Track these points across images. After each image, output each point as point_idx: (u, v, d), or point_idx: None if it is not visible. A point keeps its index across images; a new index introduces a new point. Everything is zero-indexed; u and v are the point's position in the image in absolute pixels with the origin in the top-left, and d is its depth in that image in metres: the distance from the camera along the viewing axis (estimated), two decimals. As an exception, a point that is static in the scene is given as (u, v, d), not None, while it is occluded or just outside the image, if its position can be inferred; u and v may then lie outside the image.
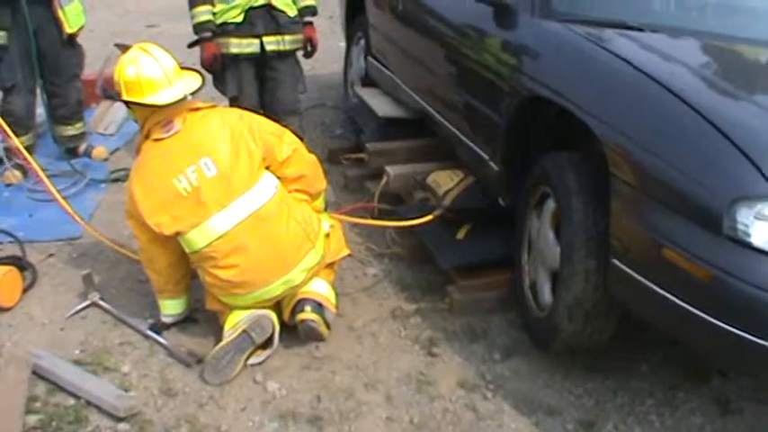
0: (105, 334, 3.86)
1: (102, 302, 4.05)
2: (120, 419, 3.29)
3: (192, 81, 3.80)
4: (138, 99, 3.68)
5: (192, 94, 3.75)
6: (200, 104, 3.83)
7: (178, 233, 3.63)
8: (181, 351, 3.70)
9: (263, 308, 3.75)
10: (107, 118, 6.60)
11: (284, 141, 3.84)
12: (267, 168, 3.76)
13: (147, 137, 3.77)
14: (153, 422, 3.30)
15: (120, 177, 5.54)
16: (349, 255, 4.22)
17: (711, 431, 3.38)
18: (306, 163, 3.95)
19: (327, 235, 3.91)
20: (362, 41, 6.70)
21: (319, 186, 4.09)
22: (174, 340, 3.81)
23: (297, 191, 3.90)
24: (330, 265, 4.00)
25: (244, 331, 3.61)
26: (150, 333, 3.83)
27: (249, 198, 3.63)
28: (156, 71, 3.69)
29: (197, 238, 3.61)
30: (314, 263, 3.78)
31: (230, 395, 3.48)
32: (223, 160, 3.62)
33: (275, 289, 3.70)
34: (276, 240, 3.65)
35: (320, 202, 4.14)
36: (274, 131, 3.86)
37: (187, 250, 3.69)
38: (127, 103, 3.76)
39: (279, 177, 3.80)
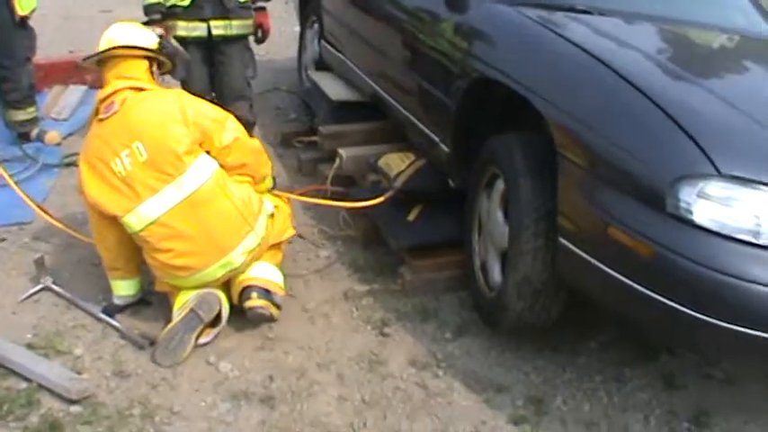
0: (58, 317, 3.85)
1: (54, 286, 4.03)
2: (72, 402, 3.28)
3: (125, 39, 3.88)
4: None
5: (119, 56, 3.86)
6: (145, 85, 3.84)
7: (115, 216, 3.65)
8: (134, 333, 3.71)
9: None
10: (60, 102, 6.55)
11: (225, 128, 3.81)
12: (208, 153, 3.75)
13: (95, 114, 3.80)
14: (105, 404, 3.30)
15: (73, 162, 5.47)
16: (299, 236, 4.26)
17: (658, 405, 3.44)
18: (247, 151, 3.92)
19: (272, 215, 3.92)
20: (316, 25, 6.71)
21: (263, 172, 4.07)
22: (127, 323, 3.81)
23: (239, 174, 3.89)
24: (276, 246, 4.00)
25: (191, 310, 3.62)
26: (103, 316, 3.82)
27: (181, 183, 3.61)
28: (110, 33, 3.86)
29: (132, 222, 3.62)
30: (254, 245, 3.78)
31: (183, 376, 3.49)
32: (154, 145, 3.62)
33: (215, 272, 3.71)
34: (210, 225, 3.65)
35: (266, 185, 4.13)
36: (215, 117, 3.82)
37: (128, 232, 3.70)
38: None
39: (221, 165, 3.78)
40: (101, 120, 3.74)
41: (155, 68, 4.02)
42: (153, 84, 3.92)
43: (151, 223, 3.60)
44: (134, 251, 3.82)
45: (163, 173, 3.60)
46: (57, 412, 3.24)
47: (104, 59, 3.88)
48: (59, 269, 4.24)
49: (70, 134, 6.08)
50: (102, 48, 3.86)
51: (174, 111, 3.70)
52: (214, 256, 3.67)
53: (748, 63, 4.00)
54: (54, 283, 4.06)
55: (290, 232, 4.13)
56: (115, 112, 3.70)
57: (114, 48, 3.85)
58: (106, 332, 3.76)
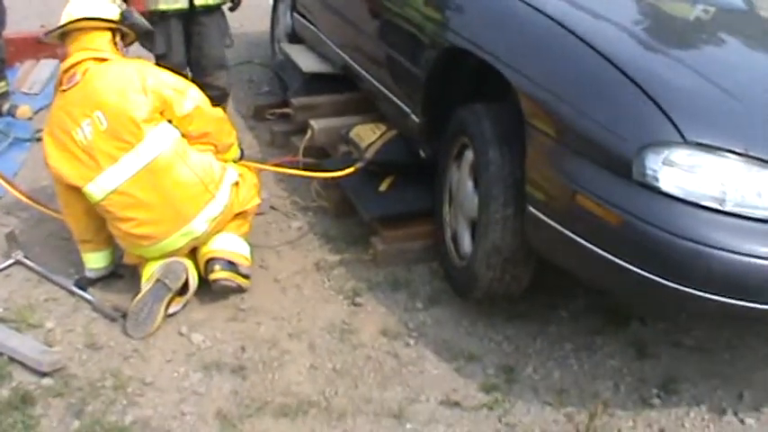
0: (29, 291, 3.85)
1: (26, 260, 4.03)
2: (44, 375, 3.28)
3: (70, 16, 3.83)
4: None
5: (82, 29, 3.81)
6: (107, 56, 3.83)
7: (77, 186, 3.66)
8: (105, 306, 3.71)
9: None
10: (31, 77, 6.53)
11: (186, 96, 3.80)
12: (170, 122, 3.74)
13: (59, 86, 3.80)
14: (77, 376, 3.31)
15: (45, 136, 5.50)
16: (271, 207, 4.24)
17: (628, 373, 3.47)
18: (209, 120, 3.90)
19: (236, 183, 3.91)
20: (288, -2, 6.68)
21: (227, 141, 4.04)
22: (99, 296, 3.82)
23: (202, 144, 3.87)
24: (242, 216, 4.00)
25: (158, 280, 3.64)
26: (75, 289, 3.82)
27: (139, 151, 3.62)
28: (71, 7, 3.82)
29: (93, 191, 3.64)
30: (216, 213, 3.78)
31: (155, 348, 3.50)
32: (113, 113, 3.62)
33: (177, 241, 3.73)
34: (170, 193, 3.66)
35: (231, 155, 4.11)
36: (175, 86, 3.81)
37: (91, 202, 3.71)
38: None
39: (183, 134, 3.78)
40: (63, 91, 3.74)
41: (118, 40, 3.99)
42: (116, 54, 3.90)
43: (111, 192, 3.61)
44: (103, 222, 3.82)
45: (122, 141, 3.61)
46: (28, 385, 3.24)
47: (67, 33, 3.86)
48: (31, 243, 4.23)
49: (41, 108, 5.99)
50: (63, 21, 3.83)
51: (133, 79, 3.69)
52: (175, 224, 3.68)
53: (719, 33, 4.00)
54: (25, 257, 4.05)
55: (256, 201, 4.11)
56: (77, 83, 3.70)
57: (75, 20, 3.82)
58: (78, 305, 3.76)
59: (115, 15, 3.95)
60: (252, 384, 3.31)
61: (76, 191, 3.70)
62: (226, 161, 3.97)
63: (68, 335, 3.56)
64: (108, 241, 3.91)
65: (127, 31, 4.06)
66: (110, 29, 3.92)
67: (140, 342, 3.52)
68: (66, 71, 3.77)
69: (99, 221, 3.82)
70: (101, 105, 3.63)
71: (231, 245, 3.87)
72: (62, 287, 3.86)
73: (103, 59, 3.80)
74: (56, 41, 3.96)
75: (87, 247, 3.90)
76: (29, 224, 4.43)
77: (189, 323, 3.65)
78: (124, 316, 3.64)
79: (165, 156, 3.65)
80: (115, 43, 3.95)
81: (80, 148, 3.64)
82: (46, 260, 4.09)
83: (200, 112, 3.83)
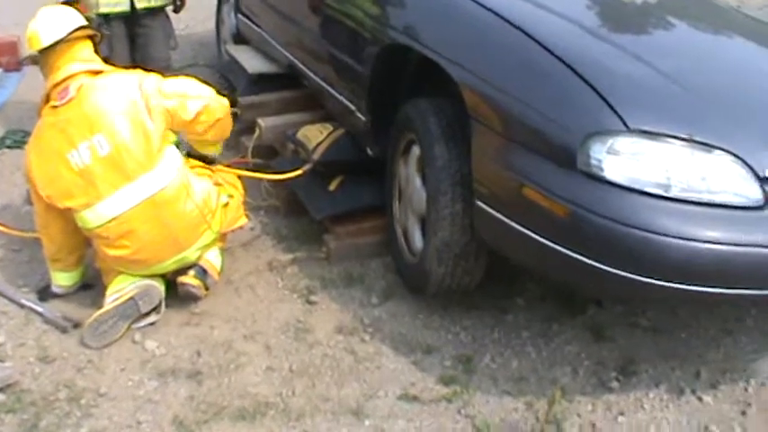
0: (-23, 306, 3.80)
1: (-27, 274, 3.98)
2: (-5, 391, 3.25)
3: (65, 28, 3.63)
4: (30, 50, 3.67)
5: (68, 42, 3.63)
6: (100, 67, 3.70)
7: (69, 209, 3.55)
8: (57, 317, 3.66)
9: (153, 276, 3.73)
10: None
11: (190, 97, 3.67)
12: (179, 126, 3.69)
13: (46, 101, 3.64)
14: (30, 390, 3.27)
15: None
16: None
17: (586, 357, 3.50)
18: (216, 110, 3.78)
19: (226, 204, 3.87)
20: (232, -1, 6.66)
21: (227, 132, 4.00)
22: (50, 306, 3.77)
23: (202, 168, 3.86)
24: (224, 233, 3.98)
25: (131, 298, 3.58)
26: (25, 301, 3.77)
27: (144, 182, 3.51)
28: (39, 22, 3.62)
29: (89, 218, 3.53)
30: (209, 240, 3.77)
31: (109, 357, 3.47)
32: (116, 139, 3.48)
33: (168, 266, 3.70)
34: (171, 226, 3.59)
35: (218, 148, 4.08)
36: (177, 92, 3.66)
37: (80, 226, 3.61)
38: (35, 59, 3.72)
39: (190, 132, 3.75)
40: (54, 107, 3.57)
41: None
42: (104, 64, 3.76)
43: (110, 220, 3.52)
44: (78, 244, 3.76)
45: (125, 170, 3.49)
46: (-21, 402, 3.21)
47: (47, 48, 3.62)
48: (-22, 256, 4.18)
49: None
50: (63, 33, 3.60)
51: (137, 102, 3.55)
52: (170, 253, 3.65)
53: (662, 18, 4.03)
54: (-28, 270, 4.00)
55: (243, 221, 4.09)
56: (71, 99, 3.53)
57: (80, 28, 3.66)
58: (29, 318, 3.72)
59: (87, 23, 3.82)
60: (208, 389, 3.30)
61: (57, 211, 3.60)
62: (210, 153, 3.99)
63: (20, 349, 3.52)
64: (78, 263, 3.84)
65: (98, 38, 3.90)
66: (89, 36, 3.77)
67: (94, 352, 3.48)
68: (56, 85, 3.58)
69: (74, 242, 3.74)
70: (103, 128, 3.48)
71: (209, 254, 3.84)
72: (11, 300, 3.81)
73: (97, 71, 3.65)
74: (34, 60, 3.76)
75: (57, 266, 3.82)
76: (-25, 237, 4.37)
77: (142, 330, 3.62)
78: (76, 326, 3.61)
79: (170, 188, 3.56)
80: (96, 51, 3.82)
81: (76, 172, 3.49)
82: (-6, 273, 4.04)
83: (209, 110, 3.73)
